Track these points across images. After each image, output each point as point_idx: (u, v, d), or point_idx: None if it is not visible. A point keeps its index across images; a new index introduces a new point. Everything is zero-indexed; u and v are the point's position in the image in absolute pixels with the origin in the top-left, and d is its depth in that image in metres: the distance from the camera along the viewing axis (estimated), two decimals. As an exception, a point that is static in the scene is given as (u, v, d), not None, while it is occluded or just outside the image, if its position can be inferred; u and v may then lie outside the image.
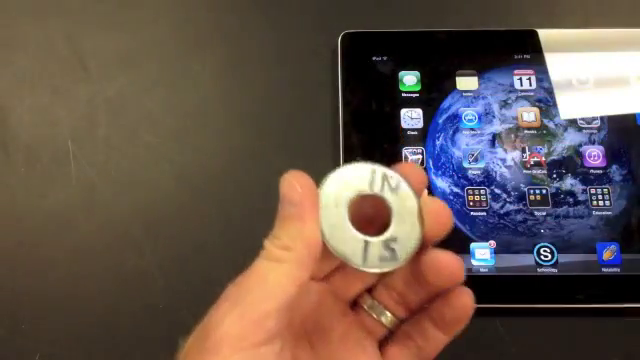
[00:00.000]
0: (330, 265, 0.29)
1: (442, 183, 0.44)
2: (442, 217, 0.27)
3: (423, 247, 0.27)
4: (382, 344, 0.30)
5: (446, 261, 0.26)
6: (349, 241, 0.26)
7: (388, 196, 0.27)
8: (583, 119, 0.46)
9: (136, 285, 0.43)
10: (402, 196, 0.27)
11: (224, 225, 0.45)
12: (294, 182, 0.26)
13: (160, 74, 0.50)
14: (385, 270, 0.27)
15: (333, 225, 0.26)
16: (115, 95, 0.49)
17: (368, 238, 0.27)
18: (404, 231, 0.27)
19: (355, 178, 0.27)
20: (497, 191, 0.44)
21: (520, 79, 0.47)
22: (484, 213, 0.44)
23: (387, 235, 0.27)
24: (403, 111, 0.46)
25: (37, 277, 0.43)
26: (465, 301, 0.28)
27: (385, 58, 0.48)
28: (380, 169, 0.28)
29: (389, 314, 0.30)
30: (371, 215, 0.28)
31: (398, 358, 0.29)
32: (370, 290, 0.30)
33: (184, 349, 0.26)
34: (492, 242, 0.43)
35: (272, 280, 0.25)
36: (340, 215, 0.27)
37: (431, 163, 0.45)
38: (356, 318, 0.30)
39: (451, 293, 0.28)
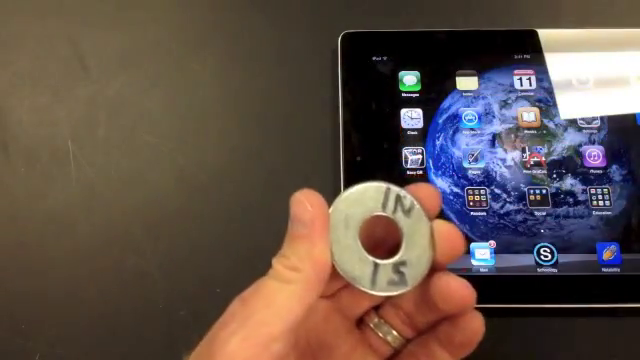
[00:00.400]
0: (338, 283, 0.29)
1: (442, 183, 0.44)
2: (454, 242, 0.27)
3: (433, 270, 0.27)
4: None
5: (456, 287, 0.26)
6: (358, 263, 0.26)
7: (400, 218, 0.27)
8: (583, 119, 0.46)
9: (136, 285, 0.43)
10: (415, 219, 0.27)
11: (224, 225, 0.45)
12: (305, 201, 0.26)
13: (160, 74, 0.50)
14: (393, 294, 0.26)
15: (343, 246, 0.26)
16: (115, 95, 0.49)
17: (378, 260, 0.26)
18: (415, 255, 0.26)
19: (368, 198, 0.27)
20: (497, 191, 0.44)
21: (520, 79, 0.47)
22: (484, 213, 0.44)
23: (397, 258, 0.26)
24: (403, 111, 0.46)
25: (37, 277, 0.43)
26: (476, 326, 0.27)
27: (385, 58, 0.48)
28: (394, 189, 0.27)
29: (395, 333, 0.29)
30: (382, 236, 0.28)
31: None
32: (377, 308, 0.30)
33: None
34: (492, 242, 0.43)
35: (280, 302, 0.25)
36: (350, 236, 0.26)
37: (431, 163, 0.45)
38: (362, 336, 0.30)
39: (461, 317, 0.27)
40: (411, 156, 0.45)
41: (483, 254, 0.42)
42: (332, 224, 0.26)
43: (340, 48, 0.48)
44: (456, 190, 0.44)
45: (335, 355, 0.29)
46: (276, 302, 0.25)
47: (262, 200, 0.45)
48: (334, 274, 0.26)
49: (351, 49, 0.48)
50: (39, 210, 0.45)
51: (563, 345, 0.41)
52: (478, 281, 0.41)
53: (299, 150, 0.47)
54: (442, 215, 0.43)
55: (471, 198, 0.44)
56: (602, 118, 0.46)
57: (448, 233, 0.27)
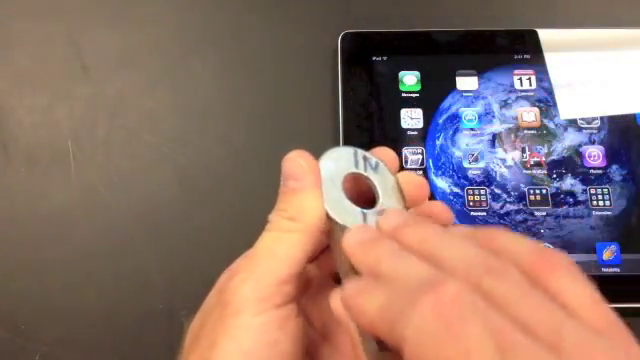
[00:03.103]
0: (319, 247, 0.30)
1: (442, 183, 0.44)
2: (419, 186, 0.29)
3: None
4: None
5: (438, 210, 0.29)
6: (348, 213, 0.28)
7: (371, 174, 0.29)
8: (583, 119, 0.46)
9: (136, 285, 0.43)
10: (381, 174, 0.30)
11: (224, 225, 0.45)
12: (298, 159, 0.28)
13: (160, 74, 0.50)
14: None
15: (333, 199, 0.28)
16: (115, 95, 0.49)
17: (364, 210, 0.29)
18: (391, 203, 0.29)
19: (342, 159, 0.29)
20: (497, 191, 0.44)
21: (520, 79, 0.47)
22: (484, 213, 0.44)
23: (378, 206, 0.29)
24: (403, 111, 0.46)
25: (37, 277, 0.43)
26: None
27: (385, 58, 0.48)
28: (360, 151, 0.30)
29: None
30: (358, 193, 0.30)
31: None
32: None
33: (197, 323, 0.27)
34: (492, 242, 0.43)
35: (283, 250, 0.26)
36: (337, 190, 0.28)
37: (431, 163, 0.45)
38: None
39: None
40: (411, 156, 0.45)
41: (483, 254, 0.42)
42: (321, 180, 0.28)
43: (340, 48, 0.48)
44: (456, 190, 0.44)
45: (324, 310, 0.30)
46: (279, 250, 0.26)
47: (262, 200, 0.45)
48: (321, 232, 0.28)
49: (351, 49, 0.48)
50: (39, 210, 0.45)
51: (563, 345, 0.41)
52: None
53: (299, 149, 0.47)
54: (442, 215, 0.43)
55: (471, 198, 0.44)
56: (602, 118, 0.46)
57: (412, 180, 0.30)
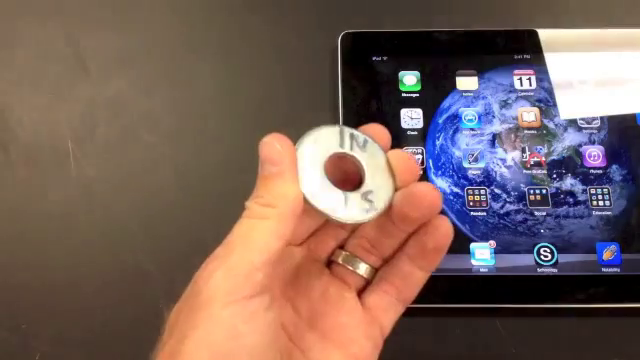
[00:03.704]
0: (307, 230, 0.30)
1: (442, 183, 0.44)
2: (409, 166, 0.28)
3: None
4: (361, 295, 0.30)
5: (423, 191, 0.27)
6: (329, 197, 0.27)
7: (358, 154, 0.28)
8: (583, 119, 0.46)
9: (136, 285, 0.43)
10: (370, 153, 0.29)
11: (224, 225, 0.45)
12: (275, 142, 0.27)
13: (160, 74, 0.50)
14: (367, 219, 0.28)
15: (312, 183, 0.27)
16: (115, 95, 0.49)
17: (347, 192, 0.28)
18: (378, 184, 0.28)
19: (325, 140, 0.29)
20: (497, 191, 0.44)
21: (520, 79, 0.47)
22: (484, 213, 0.44)
23: (363, 189, 0.28)
24: (403, 111, 0.46)
25: (37, 277, 0.43)
26: (445, 227, 0.28)
27: (385, 58, 0.48)
28: (347, 129, 0.29)
29: (364, 263, 0.30)
30: (344, 173, 0.29)
31: (378, 304, 0.30)
32: (342, 247, 0.31)
33: (174, 312, 0.27)
34: (492, 242, 0.43)
35: (258, 236, 0.26)
36: (317, 174, 0.28)
37: (431, 163, 0.45)
38: (333, 275, 0.31)
39: (430, 222, 0.28)
40: (411, 156, 0.45)
41: (483, 254, 0.42)
42: (299, 166, 0.28)
43: (340, 48, 0.48)
44: (456, 190, 0.44)
45: (310, 296, 0.30)
46: (254, 237, 0.26)
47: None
48: (306, 216, 0.28)
49: (351, 49, 0.48)
50: (39, 210, 0.45)
51: (563, 345, 0.41)
52: (478, 281, 0.42)
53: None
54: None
55: (471, 198, 0.44)
56: (602, 118, 0.46)
57: (402, 158, 0.28)
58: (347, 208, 0.27)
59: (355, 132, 0.29)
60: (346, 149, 0.28)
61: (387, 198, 0.28)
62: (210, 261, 0.26)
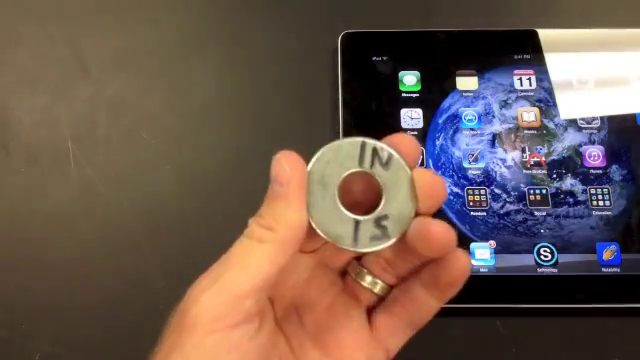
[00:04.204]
0: (321, 239, 0.29)
1: (442, 183, 0.44)
2: (436, 191, 0.26)
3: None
4: (372, 312, 0.29)
5: (436, 231, 0.25)
6: (339, 223, 0.26)
7: (379, 171, 0.26)
8: (583, 119, 0.46)
9: (136, 285, 0.43)
10: (393, 170, 0.26)
11: (224, 225, 0.45)
12: (283, 162, 0.26)
13: (160, 74, 0.50)
14: (378, 249, 0.26)
15: (322, 207, 0.26)
16: (115, 95, 0.49)
17: (359, 217, 0.26)
18: (396, 207, 0.26)
19: (343, 156, 0.26)
20: (497, 191, 0.44)
21: (520, 79, 0.47)
22: (484, 213, 0.44)
23: (378, 213, 0.26)
24: (403, 111, 0.46)
25: (37, 277, 0.43)
26: (461, 264, 0.26)
27: (385, 58, 0.48)
28: (370, 142, 0.26)
29: (378, 281, 0.29)
30: (363, 191, 0.27)
31: (386, 325, 0.29)
32: (359, 258, 0.30)
33: (170, 322, 0.26)
34: (492, 242, 0.43)
35: (251, 260, 0.25)
36: (329, 196, 0.26)
37: (431, 163, 0.45)
38: (345, 287, 0.30)
39: (446, 257, 0.26)
40: (411, 156, 0.45)
41: (483, 254, 0.42)
42: (310, 186, 0.26)
43: (340, 48, 0.48)
44: (456, 190, 0.44)
45: (317, 308, 0.29)
46: (248, 260, 0.25)
47: (262, 200, 0.45)
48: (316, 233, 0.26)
49: (351, 49, 0.48)
50: (39, 210, 0.45)
51: (563, 345, 0.41)
52: (478, 281, 0.42)
53: (299, 150, 0.46)
54: (442, 215, 0.43)
55: (471, 198, 0.44)
56: (602, 118, 0.46)
57: (429, 181, 0.26)
58: (357, 236, 0.26)
59: (379, 145, 0.26)
60: (366, 166, 0.26)
61: (403, 226, 0.26)
62: (204, 277, 0.26)
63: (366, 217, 0.26)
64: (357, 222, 0.26)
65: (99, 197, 0.45)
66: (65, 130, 0.48)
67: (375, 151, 0.26)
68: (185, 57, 0.50)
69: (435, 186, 0.26)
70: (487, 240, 0.43)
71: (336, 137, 0.46)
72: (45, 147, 0.47)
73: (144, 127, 0.48)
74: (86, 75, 0.50)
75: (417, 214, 0.26)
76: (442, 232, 0.25)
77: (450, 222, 0.43)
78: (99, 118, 0.48)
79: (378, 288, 0.29)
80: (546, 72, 0.47)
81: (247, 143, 0.47)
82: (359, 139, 0.27)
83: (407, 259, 0.28)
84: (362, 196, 0.27)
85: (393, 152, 0.26)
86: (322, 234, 0.26)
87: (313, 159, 0.26)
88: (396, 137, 0.27)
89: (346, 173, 0.26)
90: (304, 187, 0.26)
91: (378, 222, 0.26)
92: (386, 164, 0.26)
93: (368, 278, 0.29)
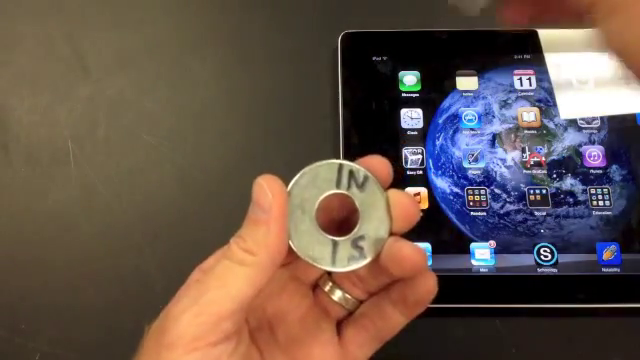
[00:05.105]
0: (300, 260, 0.30)
1: (442, 183, 0.44)
2: (409, 211, 0.27)
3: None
4: (341, 325, 0.30)
5: (409, 255, 0.26)
6: (317, 245, 0.27)
7: (355, 193, 0.27)
8: (583, 119, 0.46)
9: (136, 286, 0.43)
10: (369, 191, 0.27)
11: (224, 225, 0.45)
12: (265, 187, 0.26)
13: (160, 74, 0.50)
14: (354, 268, 0.27)
15: (301, 231, 0.27)
16: (115, 95, 0.49)
17: (336, 239, 0.27)
18: (371, 228, 0.27)
19: (321, 179, 0.27)
20: (497, 191, 0.44)
21: (520, 79, 0.47)
22: (484, 213, 0.44)
23: (354, 233, 0.27)
24: (403, 111, 0.46)
25: (37, 277, 0.43)
26: (428, 285, 0.28)
27: (385, 58, 0.48)
28: (347, 165, 0.27)
29: (348, 296, 0.30)
30: (341, 212, 0.29)
31: (355, 338, 0.30)
32: (330, 273, 0.31)
33: (147, 336, 0.27)
34: (492, 242, 0.43)
35: (231, 283, 0.25)
36: (308, 219, 0.27)
37: (431, 163, 0.45)
38: (316, 300, 0.31)
39: (415, 277, 0.28)
40: (411, 156, 0.45)
41: (483, 254, 0.42)
42: (289, 209, 0.27)
43: (340, 48, 0.48)
44: (456, 190, 0.44)
45: (289, 320, 0.30)
46: (228, 283, 0.25)
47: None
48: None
49: (351, 49, 0.48)
50: (39, 210, 0.45)
51: (563, 345, 0.41)
52: (478, 281, 0.42)
53: (299, 150, 0.47)
54: (442, 215, 0.43)
55: (471, 198, 0.44)
56: (602, 118, 0.46)
57: (403, 203, 0.27)
58: (335, 257, 0.27)
59: (355, 167, 0.27)
60: (342, 188, 0.27)
61: (378, 246, 0.27)
62: (184, 294, 0.26)
63: (343, 238, 0.27)
64: (335, 243, 0.27)
65: (99, 197, 0.45)
66: (65, 130, 0.48)
67: (351, 173, 0.27)
68: (185, 57, 0.50)
69: (409, 207, 0.27)
70: (487, 240, 0.43)
71: (337, 136, 0.46)
72: (45, 147, 0.47)
73: (144, 127, 0.48)
74: (86, 75, 0.50)
75: (391, 233, 0.27)
76: (413, 255, 0.26)
77: (450, 222, 0.43)
78: (99, 118, 0.48)
79: (348, 303, 0.30)
80: (546, 72, 0.47)
81: (247, 143, 0.47)
82: (336, 161, 0.27)
83: (378, 277, 0.29)
84: (338, 214, 0.29)
85: (369, 174, 0.27)
86: (302, 256, 0.27)
87: (292, 182, 0.27)
88: (371, 159, 0.28)
89: (324, 195, 0.27)
90: (285, 213, 0.26)
91: (355, 243, 0.27)
92: (362, 186, 0.27)
93: (338, 293, 0.30)
